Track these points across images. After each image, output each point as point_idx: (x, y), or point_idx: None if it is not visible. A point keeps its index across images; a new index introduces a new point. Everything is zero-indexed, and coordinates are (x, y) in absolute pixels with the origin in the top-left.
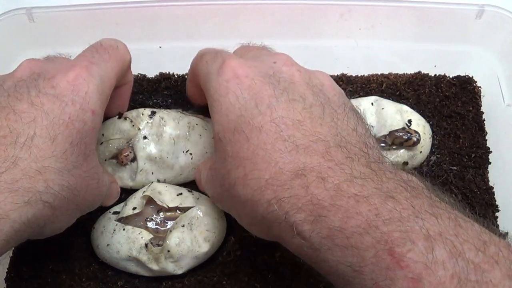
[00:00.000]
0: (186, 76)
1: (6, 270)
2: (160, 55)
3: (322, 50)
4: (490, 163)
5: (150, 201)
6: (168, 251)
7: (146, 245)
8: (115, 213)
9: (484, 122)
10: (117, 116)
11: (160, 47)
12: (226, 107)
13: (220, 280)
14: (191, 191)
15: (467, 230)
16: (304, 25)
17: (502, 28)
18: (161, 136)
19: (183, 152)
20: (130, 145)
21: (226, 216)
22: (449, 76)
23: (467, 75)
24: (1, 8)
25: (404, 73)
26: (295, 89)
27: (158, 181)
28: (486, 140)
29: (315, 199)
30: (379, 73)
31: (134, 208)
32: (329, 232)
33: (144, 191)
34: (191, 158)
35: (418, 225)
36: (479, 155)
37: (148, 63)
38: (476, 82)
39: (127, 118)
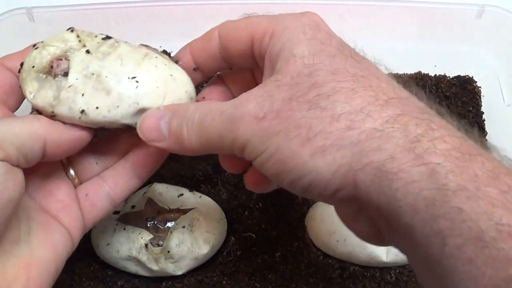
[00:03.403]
0: None
1: None
2: None
3: None
4: None
5: (150, 200)
6: (168, 251)
7: (146, 245)
8: (116, 212)
9: (484, 122)
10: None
11: (160, 46)
12: None
13: (220, 280)
14: (192, 192)
15: None
16: None
17: (502, 28)
18: (108, 54)
19: (129, 78)
20: (68, 57)
21: (226, 217)
22: (449, 76)
23: (467, 75)
24: (1, 8)
25: (404, 73)
26: None
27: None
28: (486, 140)
29: None
30: None
31: (133, 207)
32: None
33: (145, 192)
34: (136, 87)
35: None
36: None
37: None
38: (476, 82)
39: (74, 30)
